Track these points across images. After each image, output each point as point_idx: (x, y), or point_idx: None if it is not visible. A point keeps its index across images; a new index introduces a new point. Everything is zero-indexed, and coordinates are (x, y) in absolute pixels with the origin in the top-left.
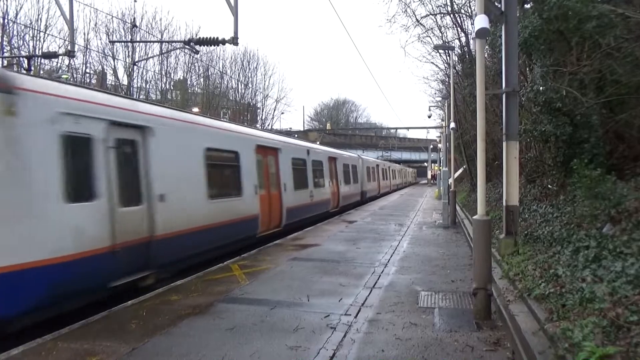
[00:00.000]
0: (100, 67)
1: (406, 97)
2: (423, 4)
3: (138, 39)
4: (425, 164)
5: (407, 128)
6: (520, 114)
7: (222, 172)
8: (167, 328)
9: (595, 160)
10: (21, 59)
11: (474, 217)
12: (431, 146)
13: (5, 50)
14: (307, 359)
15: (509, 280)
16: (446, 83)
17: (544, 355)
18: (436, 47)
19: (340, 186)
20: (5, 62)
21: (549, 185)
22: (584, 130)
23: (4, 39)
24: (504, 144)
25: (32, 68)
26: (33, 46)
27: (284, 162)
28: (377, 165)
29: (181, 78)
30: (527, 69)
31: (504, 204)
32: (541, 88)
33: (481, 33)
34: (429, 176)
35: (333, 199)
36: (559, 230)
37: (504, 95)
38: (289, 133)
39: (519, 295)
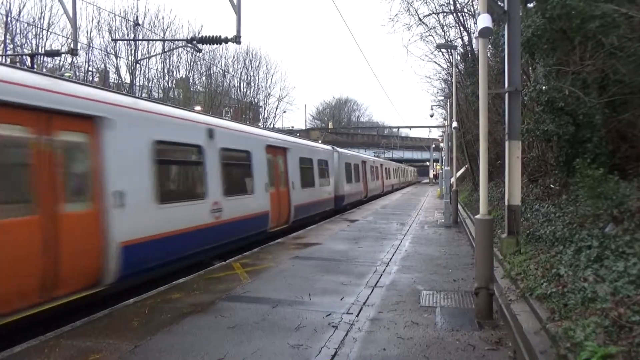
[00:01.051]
0: (102, 65)
1: (408, 96)
2: (426, 2)
3: (141, 37)
4: (427, 163)
5: (409, 127)
6: (523, 114)
7: None
8: (169, 326)
9: (598, 160)
10: (24, 56)
11: (476, 216)
12: (433, 145)
13: (8, 48)
14: (309, 358)
15: (511, 280)
16: (448, 82)
17: (546, 354)
18: (439, 46)
19: (292, 191)
20: (9, 60)
21: (552, 185)
22: (586, 129)
23: (7, 36)
24: (507, 143)
25: (35, 66)
26: (36, 44)
27: (121, 150)
28: (364, 162)
29: (183, 76)
30: (530, 68)
31: (506, 203)
32: (544, 87)
33: (484, 32)
34: (431, 175)
35: (276, 211)
36: (561, 229)
37: (506, 95)
38: (290, 132)
39: (521, 295)
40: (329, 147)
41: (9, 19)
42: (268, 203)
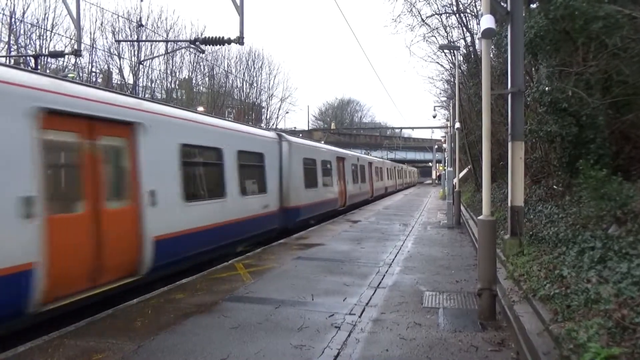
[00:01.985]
0: (106, 66)
1: (411, 97)
2: (428, 3)
3: (144, 38)
4: (430, 164)
5: (412, 128)
6: (526, 114)
7: None
8: (172, 326)
9: (601, 161)
10: (28, 57)
11: (479, 217)
12: (436, 146)
13: (12, 49)
14: (312, 358)
15: (514, 281)
16: (451, 83)
17: (549, 356)
18: (441, 47)
19: (149, 211)
20: (12, 61)
21: (555, 186)
22: (590, 130)
23: (11, 37)
24: (510, 144)
25: (39, 67)
26: (40, 45)
27: None
28: (341, 159)
29: (186, 77)
30: (533, 69)
31: (509, 204)
32: (547, 88)
33: (487, 33)
34: (434, 176)
35: (81, 257)
36: (564, 231)
37: (509, 96)
38: (293, 132)
39: (524, 296)
40: (270, 134)
41: (13, 20)
42: (34, 245)
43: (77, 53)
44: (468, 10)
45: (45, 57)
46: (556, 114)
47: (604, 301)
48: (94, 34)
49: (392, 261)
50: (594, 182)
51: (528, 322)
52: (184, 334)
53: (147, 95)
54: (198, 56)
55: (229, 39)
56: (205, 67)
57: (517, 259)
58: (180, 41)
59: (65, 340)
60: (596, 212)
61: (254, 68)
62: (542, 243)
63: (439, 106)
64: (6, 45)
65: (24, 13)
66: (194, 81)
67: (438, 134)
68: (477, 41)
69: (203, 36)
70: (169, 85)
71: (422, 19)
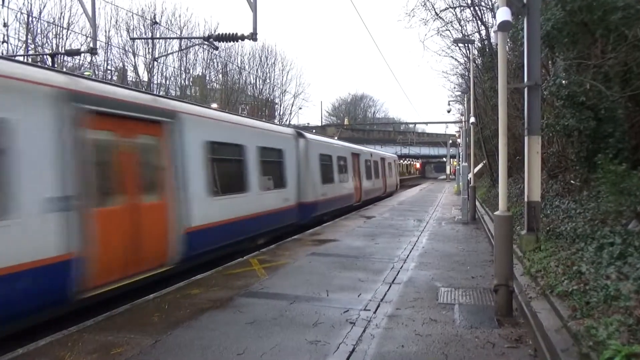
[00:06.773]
0: (121, 64)
1: (425, 92)
2: None
3: (158, 36)
4: (444, 159)
5: (426, 123)
6: (543, 108)
7: None
8: (189, 321)
9: (620, 155)
10: (45, 56)
11: (496, 212)
12: (450, 141)
13: (29, 48)
14: (327, 354)
15: (531, 277)
16: (466, 77)
17: (568, 352)
18: (456, 41)
19: None
20: (30, 60)
21: (572, 181)
22: (608, 124)
23: (29, 36)
24: (526, 138)
25: (56, 65)
26: (56, 44)
27: None
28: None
29: (200, 74)
30: (550, 62)
31: (526, 199)
32: (564, 82)
33: (503, 26)
34: (448, 171)
35: None
36: (582, 226)
37: (525, 89)
38: (306, 129)
39: (541, 292)
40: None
41: (30, 19)
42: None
43: (92, 51)
44: (483, 3)
45: (62, 56)
46: (574, 108)
47: (624, 298)
48: (109, 31)
49: (407, 257)
50: (612, 176)
51: (546, 319)
52: (200, 329)
53: (161, 92)
54: (212, 53)
55: (242, 35)
56: (219, 63)
57: (534, 255)
58: (194, 38)
59: (84, 335)
60: (615, 208)
61: (267, 64)
62: (559, 239)
63: (453, 101)
64: (24, 44)
65: (40, 12)
66: (207, 78)
67: (452, 129)
68: (492, 34)
69: (216, 33)
70: (182, 82)
71: (435, 13)
